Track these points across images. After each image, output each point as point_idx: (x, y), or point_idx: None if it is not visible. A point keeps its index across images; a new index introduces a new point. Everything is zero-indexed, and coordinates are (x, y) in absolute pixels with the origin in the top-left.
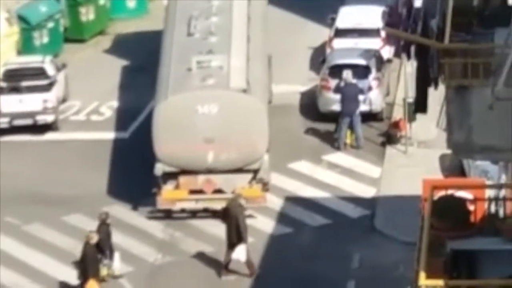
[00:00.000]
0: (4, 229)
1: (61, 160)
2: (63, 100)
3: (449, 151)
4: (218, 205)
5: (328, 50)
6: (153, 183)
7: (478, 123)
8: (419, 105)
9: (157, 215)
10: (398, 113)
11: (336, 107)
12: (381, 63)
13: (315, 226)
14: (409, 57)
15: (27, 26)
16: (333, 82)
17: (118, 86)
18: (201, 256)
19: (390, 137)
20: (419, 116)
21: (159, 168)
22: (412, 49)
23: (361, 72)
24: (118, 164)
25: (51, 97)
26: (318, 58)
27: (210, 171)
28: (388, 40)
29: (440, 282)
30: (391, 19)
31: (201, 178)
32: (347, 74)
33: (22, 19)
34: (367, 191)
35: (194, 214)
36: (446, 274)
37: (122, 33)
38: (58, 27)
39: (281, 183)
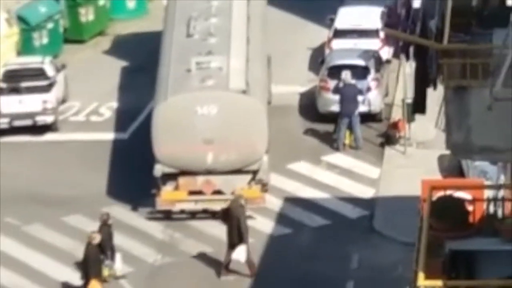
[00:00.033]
0: (4, 229)
1: (61, 160)
2: (63, 100)
3: (448, 152)
4: (218, 206)
5: (327, 51)
6: (152, 184)
7: (477, 123)
8: (418, 105)
9: (157, 216)
10: (397, 114)
11: (335, 107)
12: (380, 63)
13: (314, 227)
14: (408, 57)
15: (26, 27)
16: (332, 83)
17: (117, 86)
18: (200, 257)
19: (389, 138)
20: (418, 116)
21: (159, 169)
22: (411, 49)
23: (360, 72)
24: (118, 165)
25: (51, 97)
26: (317, 59)
27: (209, 172)
28: (387, 40)
29: (438, 282)
30: (390, 20)
31: (200, 179)
32: (346, 75)
33: (21, 19)
34: (366, 192)
35: (193, 215)
36: (444, 275)
37: (122, 33)
38: (58, 27)
39: (280, 184)
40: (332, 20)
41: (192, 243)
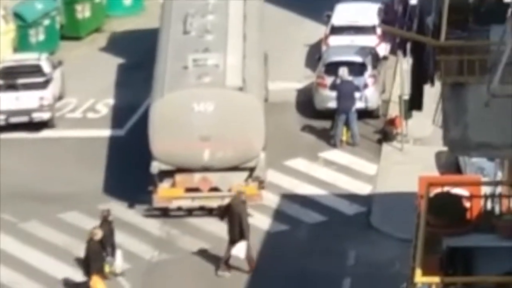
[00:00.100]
0: (0, 226)
1: (57, 157)
2: (59, 97)
3: (445, 148)
4: (214, 203)
5: (324, 48)
6: (149, 181)
7: (474, 120)
8: (414, 102)
9: (154, 213)
10: (394, 110)
11: (332, 104)
12: (377, 60)
13: (311, 223)
14: (405, 54)
15: (23, 24)
16: (329, 80)
17: (114, 83)
18: (197, 254)
19: (386, 134)
20: (415, 113)
21: (155, 166)
22: (408, 46)
23: (357, 69)
24: (114, 161)
25: (47, 94)
26: (314, 55)
27: (206, 169)
28: (384, 37)
29: (436, 279)
30: (387, 17)
31: (197, 176)
32: (343, 72)
33: (18, 16)
34: (363, 188)
35: (190, 212)
36: (442, 271)
37: (118, 30)
38: (54, 24)
39: (277, 181)
40: (329, 17)
41: (189, 240)
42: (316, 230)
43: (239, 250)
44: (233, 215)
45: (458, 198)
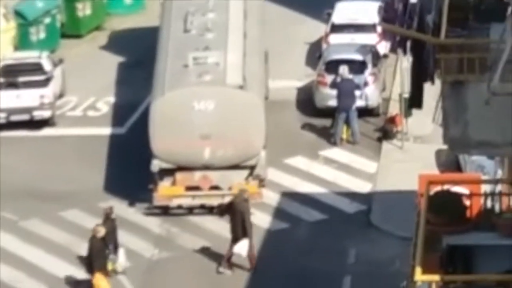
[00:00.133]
0: (1, 224)
1: (58, 155)
2: (60, 95)
3: (445, 146)
4: (215, 202)
5: (324, 46)
6: (149, 179)
7: (474, 118)
8: (414, 100)
9: (154, 211)
10: (394, 109)
11: (333, 102)
12: (377, 58)
13: (312, 222)
14: (405, 52)
15: (24, 22)
16: (329, 78)
17: (114, 81)
18: (197, 252)
19: (386, 133)
20: (415, 111)
21: (156, 165)
22: (408, 44)
23: (357, 67)
24: (115, 159)
25: (48, 92)
26: (315, 53)
27: (206, 167)
28: (384, 35)
29: (436, 277)
30: (387, 15)
31: (197, 174)
32: (344, 70)
33: (19, 14)
34: (363, 186)
35: (190, 210)
36: (442, 269)
37: (119, 28)
38: (55, 22)
39: (277, 179)
40: (329, 15)
41: (189, 238)
42: (316, 228)
43: (241, 248)
44: (235, 213)
45: (458, 196)
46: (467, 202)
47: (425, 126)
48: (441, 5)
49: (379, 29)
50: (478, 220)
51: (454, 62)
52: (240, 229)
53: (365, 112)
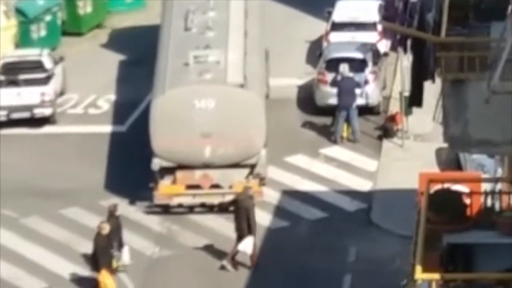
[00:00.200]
0: (1, 222)
1: (59, 153)
2: (61, 93)
3: (445, 145)
4: (215, 200)
5: (324, 44)
6: (150, 177)
7: (475, 116)
8: (414, 99)
9: (155, 209)
10: (394, 107)
11: (333, 100)
12: (377, 56)
13: (312, 220)
14: (405, 50)
15: (24, 19)
16: (330, 76)
17: (115, 79)
18: (198, 250)
19: (386, 131)
20: (415, 109)
21: (156, 163)
22: (409, 42)
23: (358, 65)
24: (116, 157)
25: (49, 90)
26: (315, 52)
27: (207, 166)
28: (385, 33)
29: (436, 275)
30: (387, 13)
31: (198, 173)
32: (344, 68)
33: (19, 12)
34: (363, 185)
35: (191, 209)
36: (442, 268)
37: (120, 26)
38: (56, 20)
39: (278, 177)
40: (330, 13)
41: (190, 236)
42: (316, 226)
43: (246, 245)
44: (240, 211)
45: (458, 195)
46: (467, 201)
47: (425, 124)
48: (442, 3)
49: (379, 27)
50: (478, 219)
51: (454, 60)
52: (245, 226)
53: (366, 110)
